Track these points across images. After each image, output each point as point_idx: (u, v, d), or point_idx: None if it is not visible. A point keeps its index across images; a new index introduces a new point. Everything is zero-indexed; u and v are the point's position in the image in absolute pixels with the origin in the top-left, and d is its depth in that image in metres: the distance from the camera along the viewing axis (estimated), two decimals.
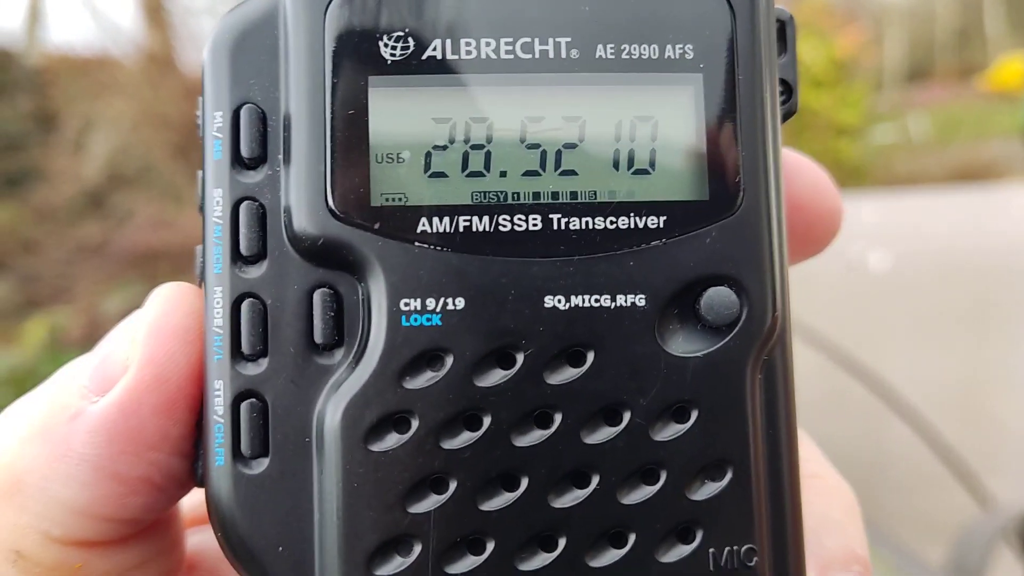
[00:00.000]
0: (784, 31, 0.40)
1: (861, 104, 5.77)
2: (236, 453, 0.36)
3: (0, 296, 4.97)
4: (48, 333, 4.54)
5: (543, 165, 0.37)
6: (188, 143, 5.57)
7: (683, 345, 0.36)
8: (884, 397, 2.06)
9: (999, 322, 2.56)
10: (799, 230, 0.42)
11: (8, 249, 5.20)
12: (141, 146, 5.46)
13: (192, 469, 0.37)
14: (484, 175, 0.37)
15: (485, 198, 0.36)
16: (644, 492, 0.36)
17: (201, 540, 0.43)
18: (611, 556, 0.35)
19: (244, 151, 0.37)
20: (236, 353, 0.36)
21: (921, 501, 2.28)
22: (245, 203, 0.37)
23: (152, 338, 0.36)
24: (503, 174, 0.37)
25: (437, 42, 0.37)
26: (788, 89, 0.40)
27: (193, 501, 0.43)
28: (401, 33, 0.36)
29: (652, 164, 0.37)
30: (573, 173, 0.37)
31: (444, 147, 0.37)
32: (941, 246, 2.64)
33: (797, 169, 0.42)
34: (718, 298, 0.37)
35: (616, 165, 0.37)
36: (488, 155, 0.37)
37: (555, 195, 0.37)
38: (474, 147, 0.37)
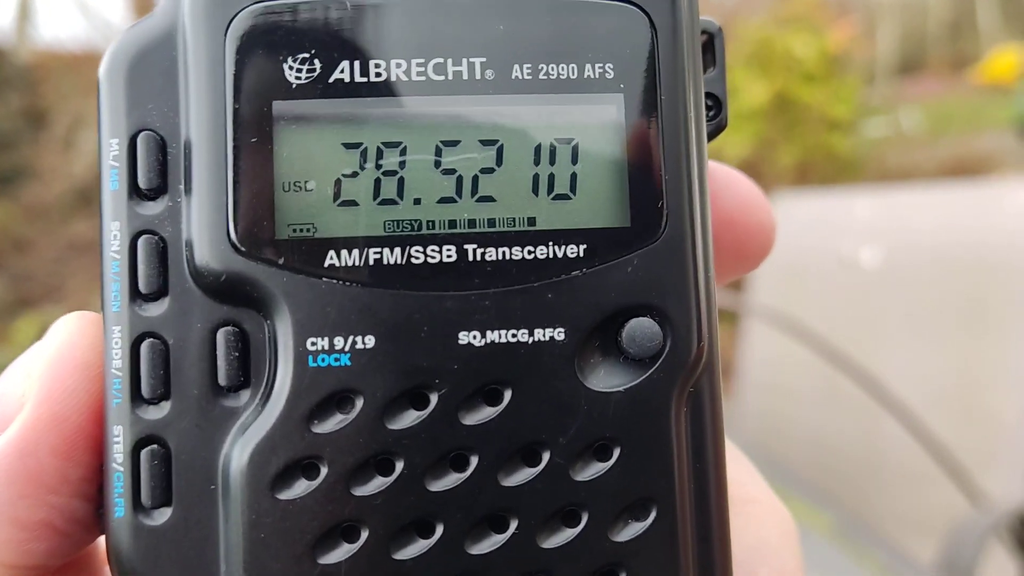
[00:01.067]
0: (712, 44, 0.39)
1: (853, 98, 5.76)
2: (136, 503, 0.34)
3: None
4: (39, 332, 4.53)
5: (459, 192, 0.35)
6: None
7: (604, 380, 0.35)
8: (876, 393, 2.06)
9: (992, 318, 2.56)
10: (731, 246, 0.41)
11: (0, 248, 5.18)
12: None
13: (97, 513, 0.35)
14: (397, 203, 0.35)
15: (399, 227, 0.35)
16: (565, 535, 0.35)
17: None
18: None
19: (142, 181, 0.35)
20: (136, 396, 0.34)
21: (913, 498, 2.28)
22: (144, 237, 0.35)
23: (50, 373, 0.34)
24: (417, 201, 0.35)
25: (345, 64, 0.35)
26: (718, 104, 0.39)
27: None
28: (307, 55, 0.35)
29: (573, 189, 0.36)
30: (491, 199, 0.36)
31: (354, 174, 0.35)
32: (934, 241, 2.63)
33: (727, 183, 0.41)
34: (640, 329, 0.35)
35: (536, 190, 0.36)
36: (401, 181, 0.35)
37: (471, 223, 0.35)
38: (386, 173, 0.35)
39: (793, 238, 2.80)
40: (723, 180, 0.41)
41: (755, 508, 0.40)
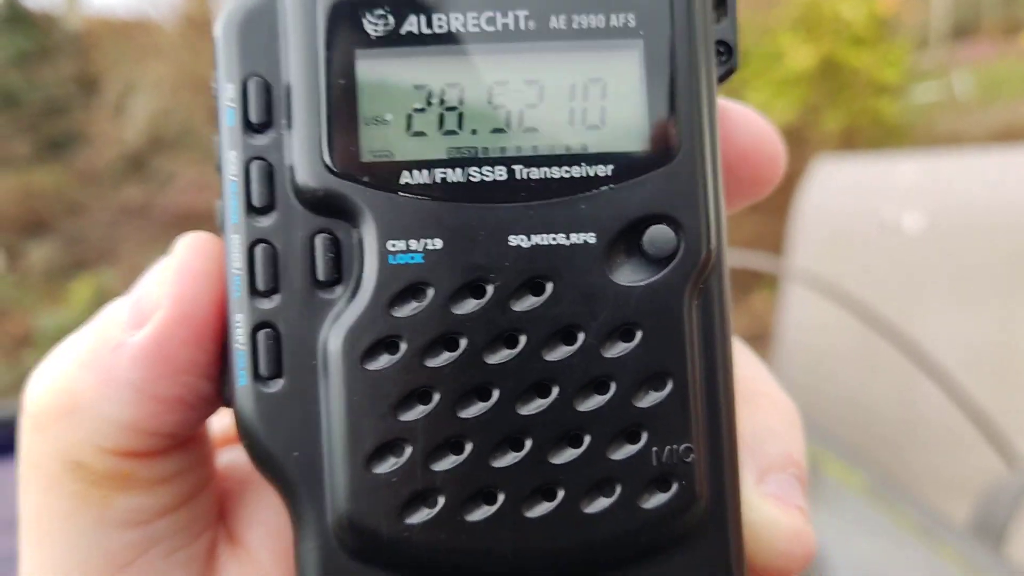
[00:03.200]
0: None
1: (903, 62, 5.67)
2: (256, 375, 0.41)
3: (48, 257, 5.08)
4: (94, 293, 4.65)
5: (508, 123, 0.42)
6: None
7: (629, 276, 0.42)
8: (915, 356, 2.07)
9: None
10: (746, 175, 0.47)
11: (54, 212, 5.30)
12: (181, 109, 5.52)
13: (218, 391, 0.43)
14: (458, 133, 0.42)
15: (459, 152, 0.42)
16: (597, 400, 0.42)
17: (230, 458, 0.49)
18: (569, 454, 0.41)
19: (253, 117, 0.42)
20: (253, 290, 0.42)
21: (949, 460, 2.29)
22: (255, 162, 0.42)
23: (177, 280, 0.41)
24: (474, 131, 0.42)
25: (413, 18, 0.42)
26: (728, 50, 0.45)
27: (222, 425, 0.49)
28: (382, 12, 0.42)
29: (603, 120, 0.43)
30: (534, 129, 0.43)
31: (423, 109, 0.42)
32: (976, 207, 2.60)
33: (743, 121, 0.47)
34: (658, 234, 0.42)
35: (571, 121, 0.43)
36: (461, 116, 0.42)
37: (518, 148, 0.42)
38: (448, 109, 0.42)
39: (835, 203, 2.79)
40: (738, 117, 0.47)
41: (763, 399, 0.46)
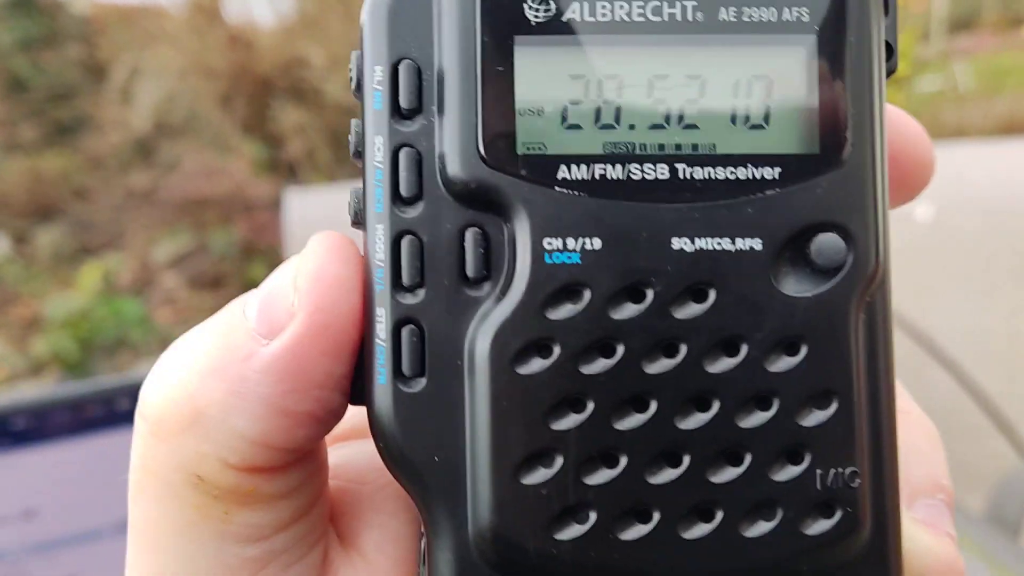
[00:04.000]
0: None
1: (909, 52, 5.66)
2: (397, 373, 0.39)
3: (56, 242, 5.08)
4: (102, 278, 4.65)
5: (667, 119, 0.40)
6: (234, 92, 5.58)
7: (794, 286, 0.40)
8: (926, 345, 2.08)
9: None
10: (895, 178, 0.45)
11: (62, 196, 5.30)
12: (188, 95, 5.49)
13: (348, 400, 0.41)
14: (615, 127, 0.40)
15: (616, 148, 0.40)
16: (759, 417, 0.39)
17: (340, 456, 0.47)
18: (729, 474, 0.39)
19: (403, 102, 0.40)
20: (396, 284, 0.40)
21: (962, 450, 2.30)
22: (404, 149, 0.40)
23: (315, 287, 0.39)
24: (632, 127, 0.40)
25: (576, 4, 0.40)
26: (890, 49, 0.43)
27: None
28: None
29: (767, 119, 0.41)
30: (695, 127, 0.40)
31: (579, 102, 0.40)
32: (987, 198, 2.62)
33: (896, 123, 0.45)
34: (827, 243, 0.40)
35: (734, 120, 0.40)
36: (618, 109, 0.40)
37: (678, 147, 0.40)
38: (606, 102, 0.40)
39: None
40: (893, 120, 0.45)
41: (906, 417, 0.44)
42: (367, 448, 0.44)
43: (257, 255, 4.85)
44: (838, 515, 0.39)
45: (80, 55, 5.65)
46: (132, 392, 1.29)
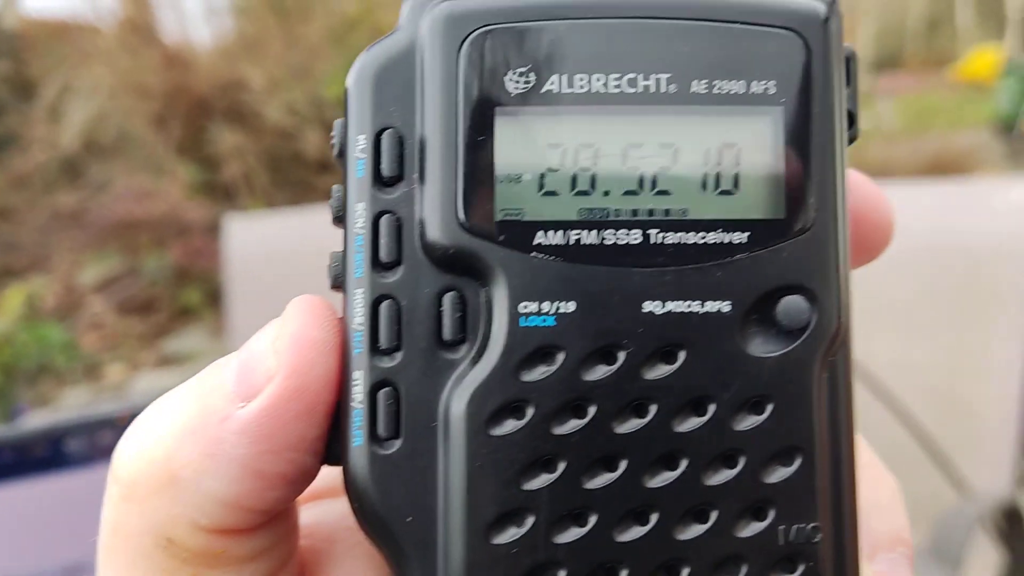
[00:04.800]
0: (848, 65, 0.44)
1: None
2: (372, 435, 0.40)
3: None
4: (25, 302, 4.51)
5: (641, 185, 0.41)
6: (169, 113, 5.49)
7: (761, 346, 0.41)
8: (868, 383, 2.12)
9: (976, 312, 2.63)
10: (857, 240, 0.46)
11: None
12: (119, 115, 5.39)
13: (320, 462, 0.41)
14: (590, 193, 0.41)
15: (591, 214, 0.41)
16: (725, 475, 0.40)
17: (312, 515, 0.47)
18: (695, 530, 0.40)
19: (384, 170, 0.41)
20: (374, 348, 0.40)
21: (903, 485, 2.35)
22: (385, 216, 0.41)
23: (294, 350, 0.39)
24: (606, 193, 0.41)
25: (555, 77, 0.41)
26: (852, 118, 0.44)
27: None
28: (524, 69, 0.41)
29: (736, 185, 0.42)
30: (667, 193, 0.41)
31: (556, 169, 0.41)
32: (921, 236, 2.70)
33: (857, 187, 0.47)
34: (793, 305, 0.41)
35: (704, 186, 0.42)
36: (594, 177, 0.41)
37: (651, 212, 0.41)
38: (582, 169, 0.41)
39: None
40: (852, 183, 0.46)
41: (868, 471, 0.45)
42: (338, 508, 0.45)
43: (191, 280, 4.74)
44: (800, 570, 0.40)
45: (8, 71, 5.50)
46: (74, 430, 1.24)
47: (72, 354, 4.35)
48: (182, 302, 4.58)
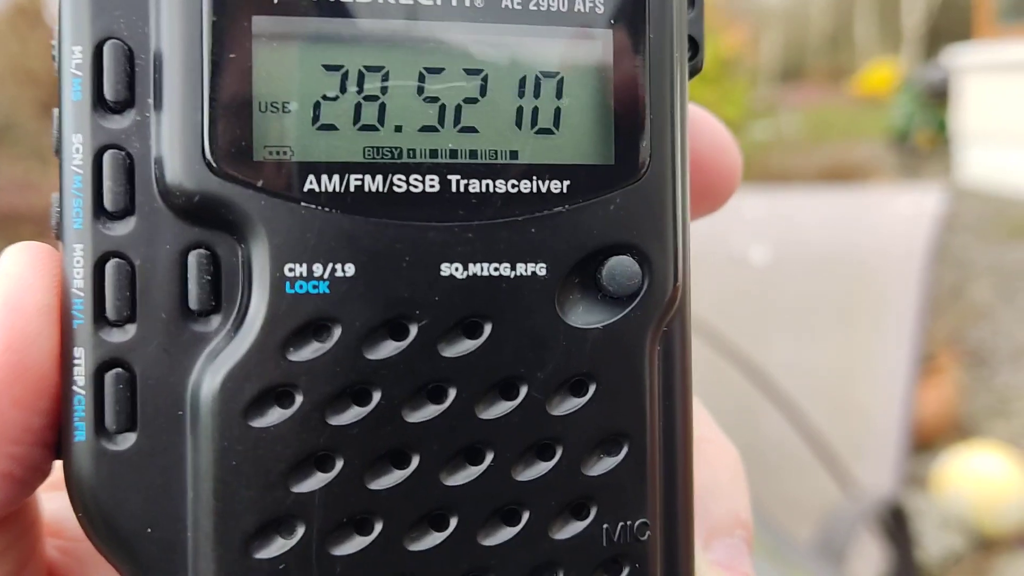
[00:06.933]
0: None
1: (741, 100, 5.94)
2: (99, 427, 0.32)
3: None
4: None
5: (441, 121, 0.34)
6: (55, 101, 5.26)
7: (583, 316, 0.35)
8: (760, 384, 2.14)
9: (865, 316, 2.69)
10: (699, 187, 0.41)
11: None
12: (5, 102, 5.16)
13: (55, 452, 0.34)
14: (378, 129, 0.34)
15: (378, 154, 0.34)
16: (539, 468, 0.35)
17: (59, 508, 0.39)
18: (504, 534, 0.34)
19: (108, 93, 0.32)
20: (100, 318, 0.32)
21: (792, 484, 2.38)
22: (109, 151, 0.32)
23: (8, 320, 0.31)
24: (398, 128, 0.34)
25: None
26: (695, 47, 0.38)
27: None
28: None
29: (556, 123, 0.35)
30: (473, 130, 0.35)
31: (335, 98, 0.33)
32: (816, 241, 2.75)
33: (699, 126, 0.41)
34: (620, 268, 0.35)
35: (519, 123, 0.35)
36: (383, 107, 0.34)
37: (454, 153, 0.34)
38: (367, 98, 0.34)
39: None
40: (695, 122, 0.40)
41: (707, 447, 0.41)
42: None
43: None
44: (625, 572, 0.35)
45: None
46: None
47: None
48: None
